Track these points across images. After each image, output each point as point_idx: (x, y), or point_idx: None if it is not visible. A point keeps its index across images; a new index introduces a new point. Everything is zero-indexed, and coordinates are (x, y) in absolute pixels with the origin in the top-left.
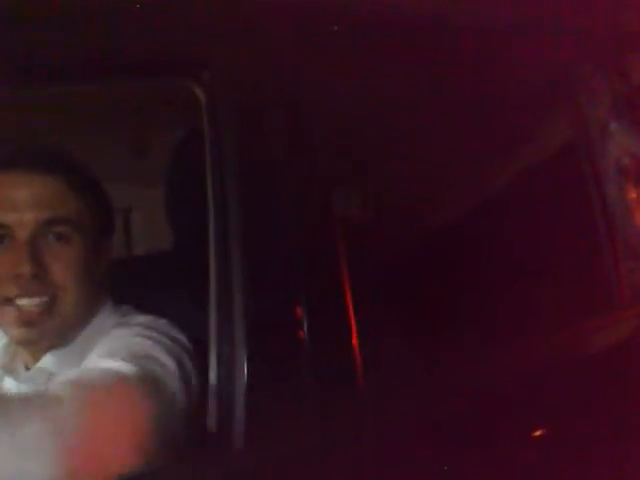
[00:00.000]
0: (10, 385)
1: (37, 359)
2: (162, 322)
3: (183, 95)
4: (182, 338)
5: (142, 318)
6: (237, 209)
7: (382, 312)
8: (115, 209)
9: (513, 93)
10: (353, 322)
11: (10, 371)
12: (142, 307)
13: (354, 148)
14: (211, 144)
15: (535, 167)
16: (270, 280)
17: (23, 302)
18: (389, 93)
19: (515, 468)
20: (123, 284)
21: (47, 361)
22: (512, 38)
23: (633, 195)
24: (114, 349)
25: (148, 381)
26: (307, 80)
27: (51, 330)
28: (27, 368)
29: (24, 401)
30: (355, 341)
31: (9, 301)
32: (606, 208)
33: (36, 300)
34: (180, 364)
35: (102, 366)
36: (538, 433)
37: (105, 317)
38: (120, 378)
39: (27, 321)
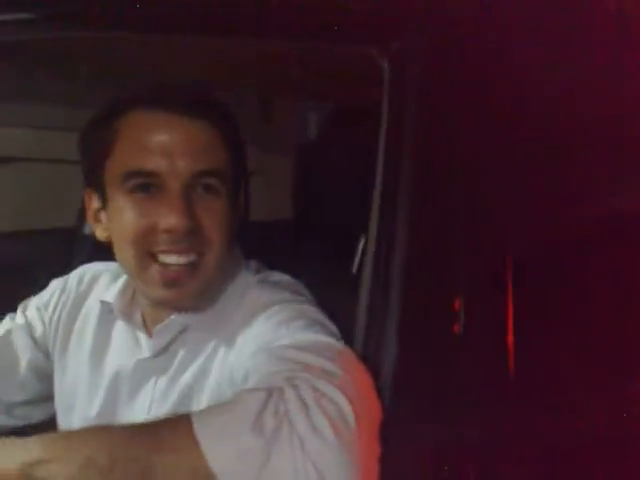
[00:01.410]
0: (122, 330)
1: (168, 314)
2: (297, 281)
3: (363, 64)
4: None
5: (279, 276)
6: (406, 190)
7: (541, 315)
8: None
9: None
10: (510, 321)
11: (127, 317)
12: None
13: (536, 137)
14: (389, 120)
15: None
16: (431, 269)
17: (169, 259)
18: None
19: None
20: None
21: (182, 315)
22: None
23: None
24: (294, 317)
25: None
26: (500, 65)
27: (193, 291)
28: (143, 316)
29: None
30: (510, 340)
31: (152, 257)
32: None
33: (183, 258)
34: None
35: (314, 339)
36: None
37: (243, 276)
38: (346, 351)
39: (171, 281)
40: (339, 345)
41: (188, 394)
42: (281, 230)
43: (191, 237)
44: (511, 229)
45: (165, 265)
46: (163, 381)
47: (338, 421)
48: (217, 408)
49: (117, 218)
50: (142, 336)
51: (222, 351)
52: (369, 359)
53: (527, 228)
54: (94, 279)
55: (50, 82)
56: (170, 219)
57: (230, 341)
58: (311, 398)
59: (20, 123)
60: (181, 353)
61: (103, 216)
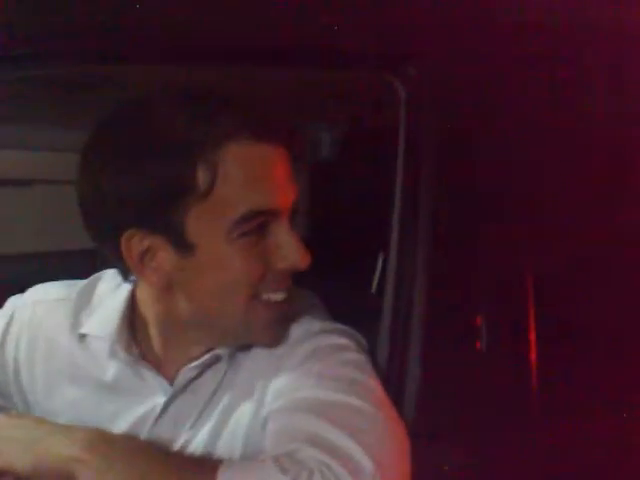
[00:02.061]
0: (113, 364)
1: (196, 349)
2: (311, 294)
3: (380, 89)
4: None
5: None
6: (426, 211)
7: (563, 330)
8: None
9: None
10: (533, 337)
11: (133, 355)
12: None
13: (548, 161)
14: (406, 142)
15: None
16: (452, 287)
17: (276, 297)
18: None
19: None
20: None
21: (222, 349)
22: None
23: None
24: (326, 367)
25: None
26: (512, 90)
27: (290, 323)
28: (142, 353)
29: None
30: (533, 356)
31: (256, 298)
32: None
33: (287, 292)
34: None
35: (345, 402)
36: None
37: None
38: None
39: (280, 318)
40: (369, 403)
41: (217, 433)
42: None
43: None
44: (530, 246)
45: (271, 303)
46: (189, 423)
47: None
48: (242, 472)
49: (216, 266)
50: (149, 374)
51: (251, 389)
52: (392, 378)
53: (546, 245)
54: (43, 306)
55: (71, 106)
56: (295, 258)
57: (256, 379)
58: None
59: (40, 146)
60: (203, 391)
61: (161, 259)
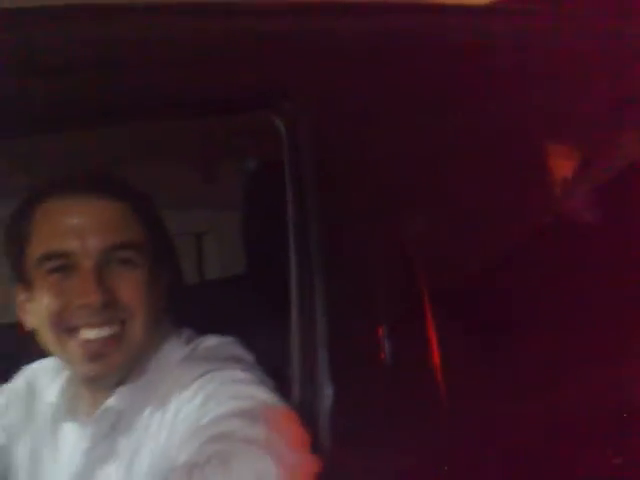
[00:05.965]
0: (71, 430)
1: (102, 398)
2: (229, 341)
3: (262, 126)
4: (250, 358)
5: (209, 342)
6: (318, 234)
7: (463, 332)
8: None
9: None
10: (434, 343)
11: (72, 414)
12: (214, 331)
13: (430, 174)
14: (291, 174)
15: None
16: (352, 302)
17: (89, 334)
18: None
19: None
20: (196, 308)
21: (115, 399)
22: None
23: None
24: (220, 389)
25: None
26: (388, 114)
27: (120, 363)
28: (90, 409)
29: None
30: (436, 361)
31: (73, 333)
32: None
33: (104, 330)
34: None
35: (238, 407)
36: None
37: (172, 347)
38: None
39: (94, 354)
40: (263, 405)
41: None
42: (235, 287)
43: (108, 309)
44: (424, 259)
45: (87, 340)
46: (110, 471)
47: None
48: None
49: (38, 302)
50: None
51: (155, 433)
52: (306, 402)
53: (439, 256)
54: (36, 379)
55: None
56: (83, 295)
57: (162, 423)
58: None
59: None
60: (119, 439)
61: (29, 307)
